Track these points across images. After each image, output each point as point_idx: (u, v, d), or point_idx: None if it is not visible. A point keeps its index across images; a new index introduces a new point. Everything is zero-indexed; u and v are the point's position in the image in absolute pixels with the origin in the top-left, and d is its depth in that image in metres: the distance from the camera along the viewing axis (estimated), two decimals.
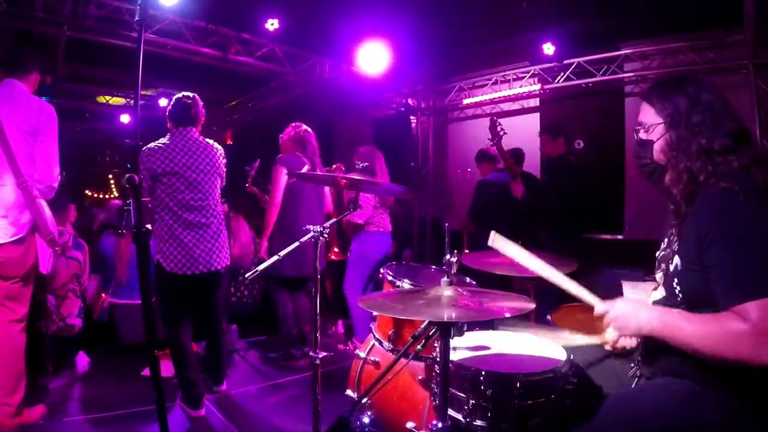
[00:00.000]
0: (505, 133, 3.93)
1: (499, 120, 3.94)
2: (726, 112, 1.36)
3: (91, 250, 4.49)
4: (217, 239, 3.06)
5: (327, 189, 4.26)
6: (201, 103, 3.12)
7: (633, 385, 1.52)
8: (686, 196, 1.33)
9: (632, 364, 1.56)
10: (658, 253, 1.52)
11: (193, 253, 2.94)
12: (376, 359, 2.22)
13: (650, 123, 1.46)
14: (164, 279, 2.95)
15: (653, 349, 1.46)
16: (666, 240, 1.49)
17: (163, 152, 2.93)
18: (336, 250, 5.16)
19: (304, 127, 4.08)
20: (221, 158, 3.16)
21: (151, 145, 2.95)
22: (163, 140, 3.00)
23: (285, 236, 3.75)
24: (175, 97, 3.11)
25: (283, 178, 3.87)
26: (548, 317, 2.20)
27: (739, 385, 1.25)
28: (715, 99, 1.37)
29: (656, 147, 1.45)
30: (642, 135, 1.49)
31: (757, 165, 1.26)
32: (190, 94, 3.10)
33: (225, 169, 3.22)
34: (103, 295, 4.46)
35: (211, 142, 3.16)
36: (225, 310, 3.59)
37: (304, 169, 3.86)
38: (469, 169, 4.54)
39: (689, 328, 1.28)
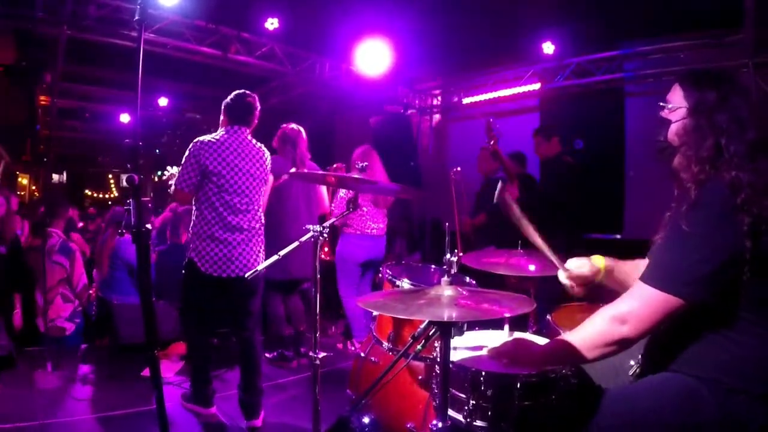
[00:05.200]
0: (501, 134, 3.92)
1: (494, 121, 3.93)
2: (752, 120, 1.36)
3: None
4: (255, 244, 2.94)
5: (321, 190, 4.21)
6: (258, 105, 3.00)
7: (629, 382, 1.53)
8: (698, 183, 1.33)
9: (632, 362, 1.56)
10: (655, 237, 1.54)
11: (230, 255, 2.82)
12: (376, 359, 2.22)
13: (674, 104, 1.47)
14: (196, 279, 2.83)
15: (653, 348, 1.46)
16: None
17: (217, 148, 2.79)
18: (326, 249, 5.15)
19: (293, 126, 4.00)
20: (268, 164, 3.05)
21: (204, 138, 2.82)
22: (217, 135, 2.86)
23: (271, 238, 3.69)
24: (236, 93, 2.93)
25: (269, 180, 3.81)
26: (548, 317, 2.20)
27: (734, 378, 1.26)
28: (744, 104, 1.37)
29: (672, 128, 1.47)
30: (664, 113, 1.50)
31: (755, 186, 1.25)
32: (251, 94, 2.94)
33: (270, 176, 3.10)
34: (92, 291, 4.47)
35: (260, 145, 3.02)
36: (257, 322, 3.17)
37: (291, 171, 3.81)
38: (458, 168, 4.53)
39: (571, 337, 1.39)
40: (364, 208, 4.28)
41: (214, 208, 2.80)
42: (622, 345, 1.33)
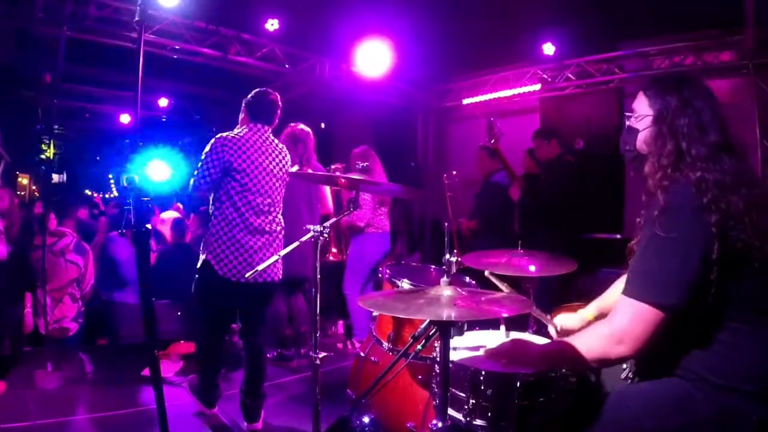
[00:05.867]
0: (502, 134, 3.92)
1: (495, 121, 3.93)
2: (714, 123, 1.37)
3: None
4: (277, 248, 2.84)
5: (325, 190, 4.22)
6: (280, 104, 2.93)
7: (627, 385, 1.53)
8: (663, 189, 1.35)
9: (624, 366, 1.57)
10: (631, 243, 1.55)
11: (252, 260, 2.70)
12: (376, 359, 2.22)
13: (640, 113, 1.50)
14: (212, 282, 2.71)
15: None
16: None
17: (242, 145, 2.69)
18: (334, 251, 5.15)
19: (300, 126, 4.01)
20: (289, 164, 2.98)
21: (226, 134, 2.72)
22: (240, 132, 2.76)
23: None
24: (258, 91, 2.86)
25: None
26: (548, 316, 2.20)
27: (726, 377, 1.27)
28: (706, 107, 1.39)
29: (639, 137, 1.50)
30: (631, 122, 1.53)
31: (721, 184, 1.27)
32: (273, 92, 2.88)
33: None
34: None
35: (282, 145, 2.96)
36: (268, 328, 3.11)
37: (294, 169, 3.81)
38: (454, 172, 4.55)
39: (572, 341, 1.39)
40: (383, 208, 4.42)
41: (236, 208, 2.70)
42: (619, 362, 1.36)
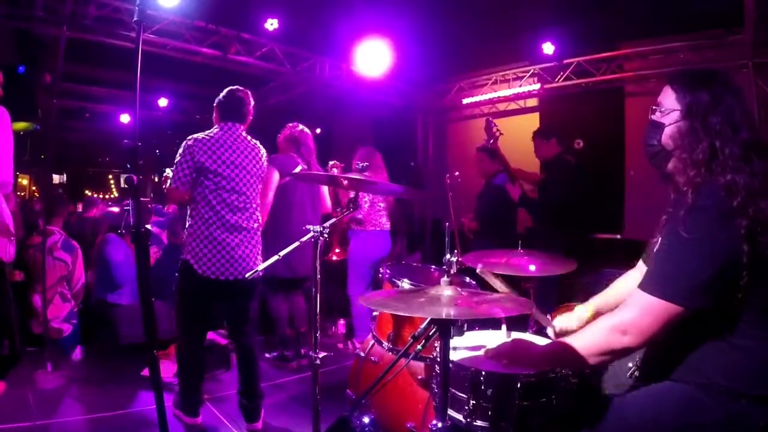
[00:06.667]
0: (501, 133, 3.92)
1: (494, 120, 3.93)
2: (745, 121, 1.36)
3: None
4: (255, 245, 2.87)
5: (324, 189, 4.23)
6: (252, 101, 2.94)
7: (630, 385, 1.52)
8: (694, 186, 1.32)
9: (630, 364, 1.56)
10: (652, 241, 1.54)
11: (231, 257, 2.73)
12: (376, 359, 2.22)
13: (667, 107, 1.45)
14: (192, 282, 2.73)
15: (652, 351, 1.46)
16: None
17: (212, 145, 2.72)
18: (338, 250, 5.15)
19: (300, 127, 4.02)
20: (264, 160, 3.00)
21: (197, 135, 2.76)
22: (210, 132, 2.80)
23: (277, 237, 3.64)
24: (228, 89, 2.91)
25: (275, 178, 3.76)
26: (548, 317, 2.20)
27: (734, 382, 1.26)
28: (737, 104, 1.37)
29: (666, 131, 1.45)
30: (656, 116, 1.48)
31: (751, 189, 1.25)
32: (243, 89, 2.92)
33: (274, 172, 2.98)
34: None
35: (255, 142, 2.97)
36: (255, 326, 3.11)
37: (298, 169, 3.79)
38: (456, 173, 4.55)
39: (573, 339, 1.38)
40: (381, 204, 4.42)
41: (211, 206, 2.72)
42: (622, 354, 1.34)
